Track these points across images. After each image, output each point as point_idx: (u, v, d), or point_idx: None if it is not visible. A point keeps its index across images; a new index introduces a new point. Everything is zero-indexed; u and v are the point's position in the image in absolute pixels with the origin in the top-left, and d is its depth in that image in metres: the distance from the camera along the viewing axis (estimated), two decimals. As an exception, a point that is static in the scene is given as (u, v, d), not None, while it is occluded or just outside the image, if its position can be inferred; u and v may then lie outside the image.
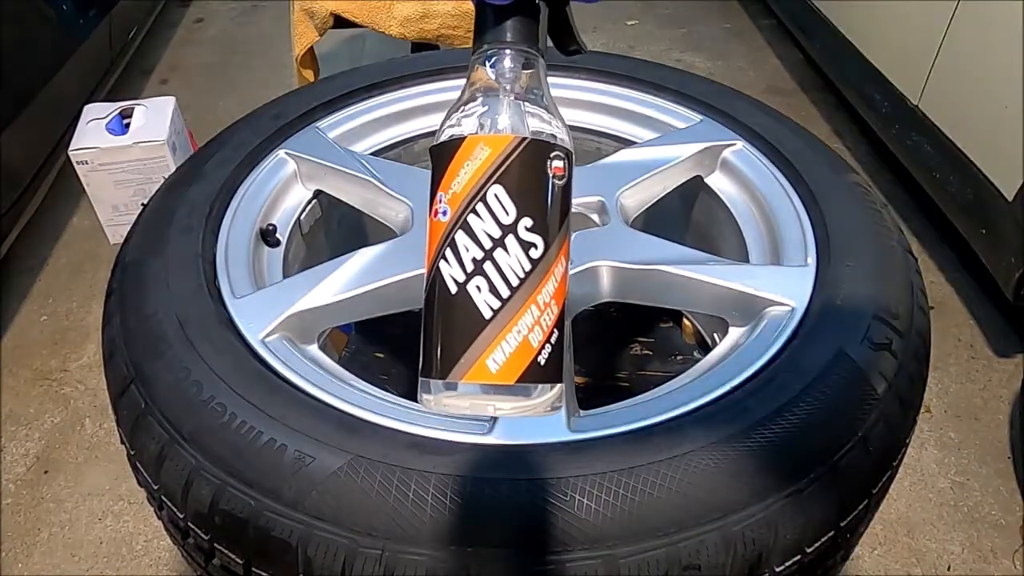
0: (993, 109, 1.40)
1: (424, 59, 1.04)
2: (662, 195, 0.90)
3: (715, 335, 0.91)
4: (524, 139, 0.40)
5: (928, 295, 0.75)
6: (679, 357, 1.12)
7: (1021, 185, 1.30)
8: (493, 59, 0.43)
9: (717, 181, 0.91)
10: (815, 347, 0.64)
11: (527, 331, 0.39)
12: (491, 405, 0.41)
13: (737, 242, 0.87)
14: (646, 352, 1.13)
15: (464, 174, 0.40)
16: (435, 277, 0.40)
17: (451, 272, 0.40)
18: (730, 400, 0.60)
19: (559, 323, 0.41)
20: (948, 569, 1.17)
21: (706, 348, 1.06)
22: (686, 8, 2.92)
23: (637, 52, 2.62)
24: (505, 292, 0.39)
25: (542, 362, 0.40)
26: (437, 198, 0.41)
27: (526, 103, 0.42)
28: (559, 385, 0.41)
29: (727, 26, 2.81)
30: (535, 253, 0.40)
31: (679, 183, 0.91)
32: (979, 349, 1.52)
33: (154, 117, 1.70)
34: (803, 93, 2.39)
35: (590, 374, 1.08)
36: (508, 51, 0.42)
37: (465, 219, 0.40)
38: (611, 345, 1.14)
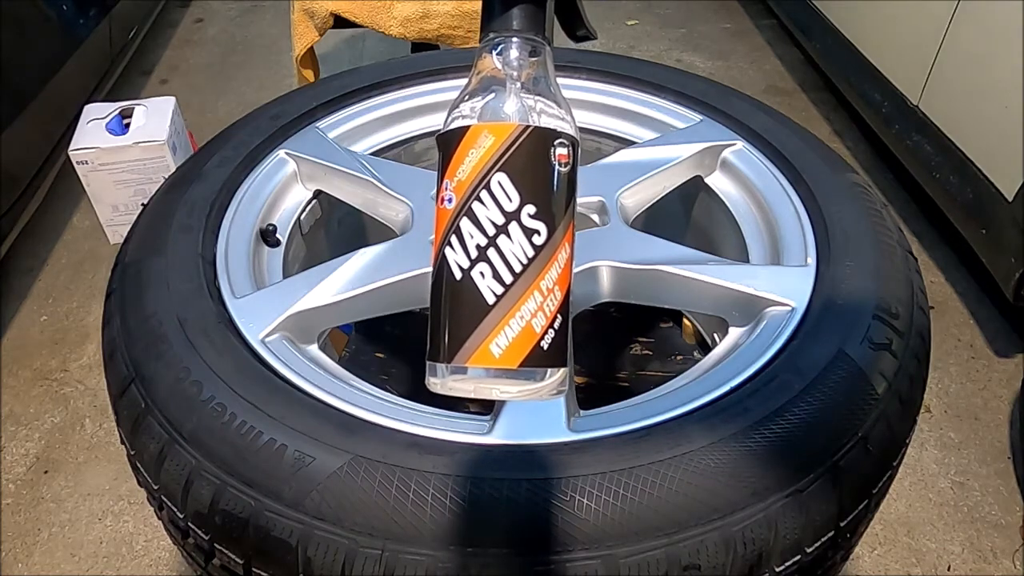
0: (993, 109, 1.40)
1: (424, 59, 1.04)
2: (662, 195, 0.90)
3: (715, 335, 0.91)
4: (528, 127, 0.40)
5: (928, 295, 0.75)
6: (679, 357, 1.12)
7: (1021, 185, 1.30)
8: (499, 47, 0.43)
9: (717, 181, 0.91)
10: (815, 347, 0.64)
11: (530, 316, 0.40)
12: (495, 389, 0.41)
13: (737, 242, 0.87)
14: (646, 352, 1.13)
15: (468, 162, 0.40)
16: (441, 263, 0.41)
17: (456, 258, 0.40)
18: (730, 400, 0.60)
19: (563, 308, 0.41)
20: (948, 569, 1.17)
21: (706, 348, 1.06)
22: (686, 8, 2.92)
23: (637, 52, 2.62)
24: (508, 278, 0.40)
25: (545, 347, 0.40)
26: (443, 185, 0.42)
27: (532, 91, 0.42)
28: (563, 369, 0.42)
29: (727, 26, 2.81)
30: (538, 240, 0.40)
31: (679, 183, 0.91)
32: (979, 349, 1.52)
33: (154, 117, 1.70)
34: (803, 93, 2.39)
35: (590, 374, 1.08)
36: (514, 39, 0.43)
37: (469, 206, 0.40)
38: (611, 345, 1.14)
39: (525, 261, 0.40)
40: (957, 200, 1.50)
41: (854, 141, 2.14)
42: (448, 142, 0.41)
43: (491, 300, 0.40)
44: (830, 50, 2.11)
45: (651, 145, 0.91)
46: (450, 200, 0.41)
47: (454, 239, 0.40)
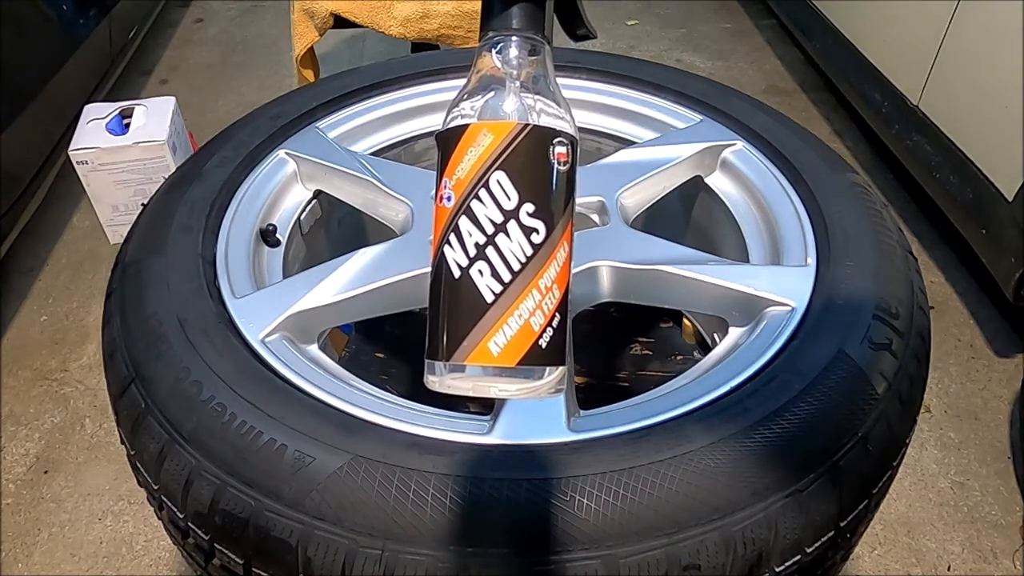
0: (993, 109, 1.40)
1: (424, 59, 1.04)
2: (662, 195, 0.90)
3: (715, 335, 0.91)
4: (527, 125, 0.40)
5: (928, 295, 0.75)
6: (679, 357, 1.12)
7: (1021, 185, 1.30)
8: (499, 46, 0.43)
9: (717, 181, 0.91)
10: (815, 347, 0.64)
11: (528, 315, 0.40)
12: (494, 387, 0.41)
13: (737, 242, 0.87)
14: (646, 352, 1.13)
15: (468, 160, 0.40)
16: (439, 261, 0.41)
17: (455, 256, 0.40)
18: (730, 400, 0.60)
19: (561, 307, 0.42)
20: (948, 569, 1.17)
21: (706, 348, 1.06)
22: (686, 8, 2.92)
23: (637, 52, 2.62)
24: (507, 276, 0.40)
25: (543, 345, 0.41)
26: (442, 184, 0.42)
27: (531, 90, 0.42)
28: (561, 368, 0.42)
29: (727, 26, 2.81)
30: (537, 238, 0.40)
31: (679, 183, 0.91)
32: (979, 349, 1.52)
33: (154, 117, 1.70)
34: (803, 93, 2.39)
35: (590, 374, 1.08)
36: (514, 38, 0.43)
37: (468, 204, 0.40)
38: (611, 345, 1.14)
39: (523, 260, 0.40)
40: (957, 200, 1.50)
41: (854, 141, 2.14)
42: (447, 140, 0.41)
43: (489, 298, 0.40)
44: (830, 50, 2.11)
45: (651, 145, 0.91)
46: (449, 198, 0.41)
47: (453, 237, 0.40)
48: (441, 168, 0.42)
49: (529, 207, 0.40)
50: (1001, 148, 1.37)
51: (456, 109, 0.42)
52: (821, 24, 2.14)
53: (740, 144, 0.90)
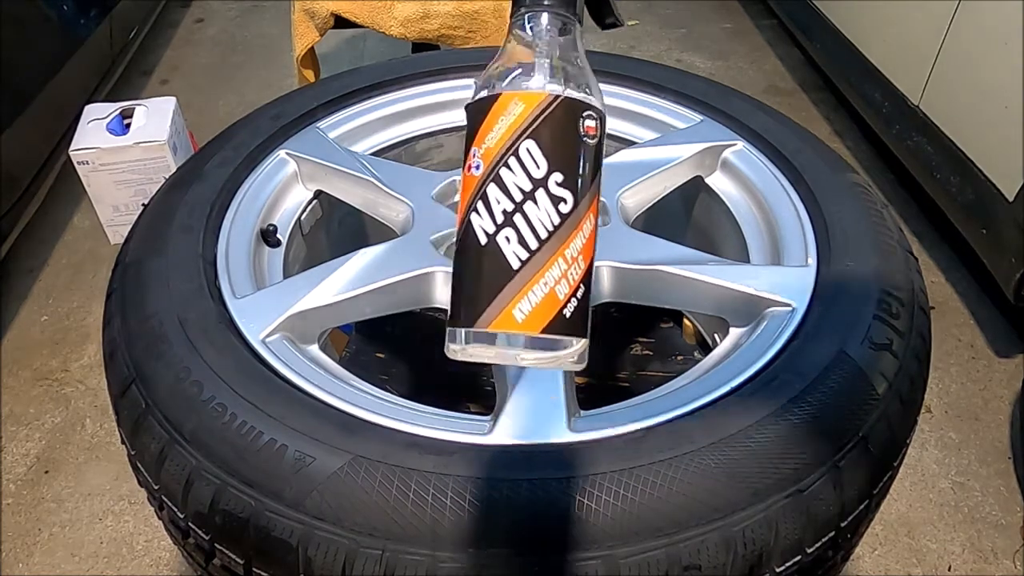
0: (993, 109, 1.40)
1: (424, 59, 1.03)
2: (662, 195, 0.90)
3: (715, 335, 0.91)
4: (558, 96, 0.41)
5: (928, 295, 0.75)
6: (679, 357, 1.12)
7: (1021, 185, 1.30)
8: (531, 21, 0.43)
9: (717, 181, 0.91)
10: (815, 347, 0.64)
11: (554, 283, 0.40)
12: (517, 355, 0.41)
13: (737, 242, 0.87)
14: (646, 352, 1.13)
15: (498, 129, 0.41)
16: (466, 228, 0.41)
17: (482, 224, 0.40)
18: (730, 400, 0.60)
19: (586, 278, 0.42)
20: (948, 569, 1.17)
21: (706, 348, 1.06)
22: (686, 8, 2.92)
23: (637, 52, 2.62)
24: (533, 243, 0.40)
25: (568, 314, 0.41)
26: (471, 153, 0.42)
27: (561, 64, 0.42)
28: (584, 340, 0.42)
29: (727, 26, 2.81)
30: (564, 208, 0.40)
31: (679, 183, 0.91)
32: (979, 349, 1.52)
33: (154, 117, 1.70)
34: (803, 93, 2.39)
35: (590, 374, 1.08)
36: (545, 13, 0.43)
37: (497, 172, 0.40)
38: (611, 345, 1.13)
39: (551, 228, 0.40)
40: (957, 200, 1.50)
41: (854, 141, 2.14)
42: (478, 110, 0.42)
43: (516, 265, 0.40)
44: (830, 50, 2.11)
45: (652, 145, 0.91)
46: (478, 167, 0.41)
47: (480, 205, 0.40)
48: (470, 138, 0.42)
49: (558, 176, 0.40)
50: (1001, 148, 1.37)
51: (487, 80, 0.42)
52: (821, 24, 2.14)
53: (740, 144, 0.90)
